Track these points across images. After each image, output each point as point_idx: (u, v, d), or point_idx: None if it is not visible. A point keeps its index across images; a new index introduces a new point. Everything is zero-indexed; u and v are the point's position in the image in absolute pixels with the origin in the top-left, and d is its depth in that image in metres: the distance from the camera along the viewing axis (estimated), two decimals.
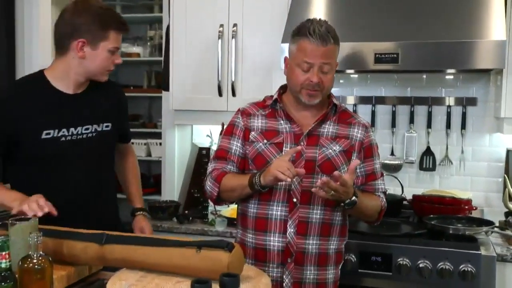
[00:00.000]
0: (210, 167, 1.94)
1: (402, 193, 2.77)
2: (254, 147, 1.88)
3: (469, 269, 2.11)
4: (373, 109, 2.90)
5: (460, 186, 2.79)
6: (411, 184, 2.87)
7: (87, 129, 1.97)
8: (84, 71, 1.93)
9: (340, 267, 1.95)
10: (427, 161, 2.84)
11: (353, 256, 2.25)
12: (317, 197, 1.79)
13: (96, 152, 2.00)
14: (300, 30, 1.82)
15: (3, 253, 1.21)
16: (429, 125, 2.83)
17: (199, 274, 1.33)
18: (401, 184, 2.78)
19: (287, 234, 1.82)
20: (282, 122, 1.90)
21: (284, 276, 1.84)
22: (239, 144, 1.91)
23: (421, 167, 2.86)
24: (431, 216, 2.47)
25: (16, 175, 1.94)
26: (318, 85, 1.81)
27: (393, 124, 2.88)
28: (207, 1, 2.76)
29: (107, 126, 2.03)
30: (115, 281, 1.36)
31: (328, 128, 1.90)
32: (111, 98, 2.10)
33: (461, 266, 2.13)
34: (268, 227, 1.84)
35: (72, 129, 1.92)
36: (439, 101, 2.83)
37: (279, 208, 1.84)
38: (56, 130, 1.89)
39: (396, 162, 2.88)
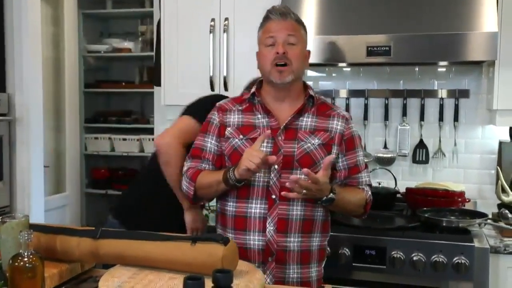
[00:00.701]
0: (185, 166, 1.89)
1: (396, 186, 2.77)
2: (230, 144, 1.83)
3: (463, 261, 2.12)
4: (365, 102, 2.90)
5: (453, 178, 2.80)
6: (404, 177, 2.87)
7: None
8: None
9: (323, 265, 1.90)
10: (420, 153, 2.85)
11: (347, 250, 2.25)
12: None
13: None
14: (263, 18, 1.85)
15: None
16: (421, 118, 2.84)
17: (193, 268, 1.33)
18: (394, 177, 2.78)
19: (267, 232, 1.76)
20: (259, 116, 1.84)
21: (266, 276, 1.76)
22: (213, 141, 1.87)
23: (414, 160, 2.86)
24: (425, 209, 2.47)
25: None
26: (285, 57, 1.76)
27: (386, 117, 2.88)
28: None
29: None
30: (107, 278, 1.35)
31: (307, 121, 1.84)
32: None
33: (454, 259, 2.13)
34: (247, 226, 1.78)
35: None
36: (431, 93, 2.83)
37: (258, 206, 1.78)
38: None
39: (389, 155, 2.88)
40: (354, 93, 2.93)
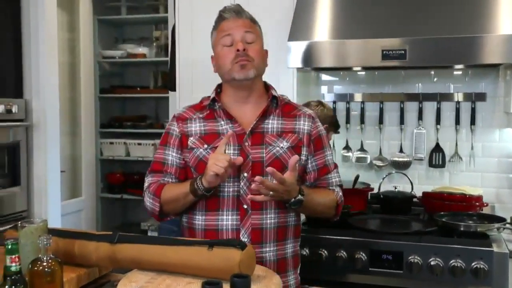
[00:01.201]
0: (146, 181, 1.78)
1: (412, 190, 2.75)
2: (194, 154, 1.72)
3: (482, 266, 2.09)
4: (381, 106, 2.88)
5: (471, 182, 2.77)
6: (420, 181, 2.84)
7: None
8: None
9: (298, 271, 1.82)
10: (437, 157, 2.82)
11: (363, 254, 2.23)
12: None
13: None
14: (216, 19, 1.79)
15: (13, 256, 1.20)
16: (438, 122, 2.81)
17: (210, 273, 1.32)
18: (411, 181, 2.76)
19: None
20: (222, 122, 1.74)
21: None
22: (174, 154, 1.76)
23: (431, 164, 2.83)
24: (442, 213, 2.44)
25: None
26: (245, 54, 1.69)
27: (402, 121, 2.86)
28: (212, 0, 2.75)
29: None
30: (125, 283, 1.35)
31: (273, 124, 1.74)
32: None
33: (473, 264, 2.11)
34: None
35: None
36: (447, 97, 2.80)
37: (229, 218, 1.68)
38: None
39: (405, 159, 2.86)
40: (369, 97, 2.91)
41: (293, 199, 1.64)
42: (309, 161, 1.78)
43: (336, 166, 1.87)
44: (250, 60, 1.70)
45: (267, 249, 1.70)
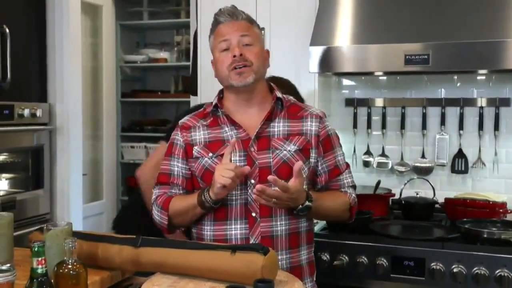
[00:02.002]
0: (154, 194, 1.74)
1: (434, 196, 2.72)
2: (200, 163, 1.68)
3: (506, 274, 2.06)
4: (403, 111, 2.86)
5: (494, 188, 2.73)
6: (442, 187, 2.81)
7: None
8: None
9: (315, 278, 1.76)
10: (459, 163, 2.79)
11: (385, 261, 2.21)
12: None
13: None
14: (212, 23, 1.74)
15: (40, 258, 1.22)
16: (461, 127, 2.78)
17: (233, 277, 1.33)
18: (433, 187, 2.73)
19: None
20: (226, 129, 1.69)
21: None
22: (179, 164, 1.72)
23: (453, 170, 2.80)
24: (464, 219, 2.41)
25: None
26: (242, 59, 1.63)
27: (424, 126, 2.84)
28: (235, 4, 2.76)
29: None
30: (148, 286, 1.36)
31: (278, 127, 1.69)
32: None
33: (497, 271, 2.08)
34: None
35: None
36: (471, 102, 2.77)
37: (238, 227, 1.63)
38: None
39: (427, 164, 2.84)
40: (390, 102, 2.90)
41: (300, 206, 1.58)
42: (319, 163, 1.72)
43: (348, 166, 1.80)
44: (248, 65, 1.65)
45: (280, 257, 1.63)
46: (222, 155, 1.62)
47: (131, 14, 4.56)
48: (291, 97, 1.81)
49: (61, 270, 1.27)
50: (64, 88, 3.19)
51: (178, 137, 1.74)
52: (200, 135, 1.71)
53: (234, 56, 1.64)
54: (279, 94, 1.74)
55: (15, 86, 2.86)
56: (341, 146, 1.80)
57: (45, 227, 1.45)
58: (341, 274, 2.24)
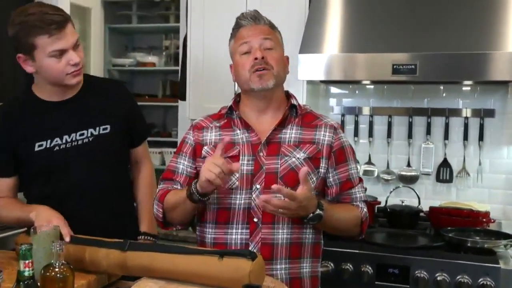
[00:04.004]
0: (157, 188, 1.75)
1: (419, 205, 2.75)
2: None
3: (488, 282, 2.09)
4: (389, 120, 2.89)
5: (478, 198, 2.77)
6: (427, 196, 2.84)
7: (82, 134, 1.84)
8: (47, 81, 1.81)
9: None
10: (444, 172, 2.82)
11: (370, 268, 2.23)
12: None
13: (97, 157, 1.87)
14: (233, 27, 1.74)
15: (26, 261, 1.22)
16: (446, 137, 2.82)
17: (220, 282, 1.33)
18: (418, 196, 2.76)
19: None
20: (238, 132, 1.68)
21: None
22: (186, 163, 1.72)
23: (438, 179, 2.84)
24: (449, 228, 2.44)
25: (27, 193, 1.92)
26: (264, 62, 1.62)
27: (410, 135, 2.87)
28: (224, 11, 2.77)
29: (104, 129, 1.88)
30: None
31: (290, 133, 1.67)
32: (111, 98, 1.96)
33: (479, 280, 2.10)
34: None
35: (65, 137, 1.82)
36: (456, 112, 2.81)
37: (239, 231, 1.61)
38: (48, 141, 1.81)
39: (413, 173, 2.87)
40: (377, 111, 2.93)
41: (311, 214, 1.53)
42: (330, 175, 1.68)
43: (361, 180, 1.76)
44: (268, 68, 1.64)
45: (279, 266, 1.61)
46: (230, 157, 1.62)
47: (120, 17, 4.56)
48: (308, 106, 1.80)
49: (48, 273, 1.27)
50: None
51: (190, 136, 1.75)
52: (211, 135, 1.72)
53: (256, 58, 1.63)
54: (294, 102, 1.72)
55: (1, 90, 2.83)
56: (355, 159, 1.76)
57: (32, 230, 1.44)
58: (326, 281, 2.24)
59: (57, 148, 1.83)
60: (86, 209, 1.85)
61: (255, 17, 1.69)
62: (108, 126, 1.89)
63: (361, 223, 1.71)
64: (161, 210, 1.68)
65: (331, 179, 1.70)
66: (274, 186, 1.45)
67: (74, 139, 1.84)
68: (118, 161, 1.98)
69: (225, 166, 1.48)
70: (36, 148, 1.82)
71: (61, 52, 1.73)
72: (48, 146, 1.82)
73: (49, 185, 1.84)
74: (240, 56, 1.67)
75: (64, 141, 1.83)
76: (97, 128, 1.88)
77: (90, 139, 1.86)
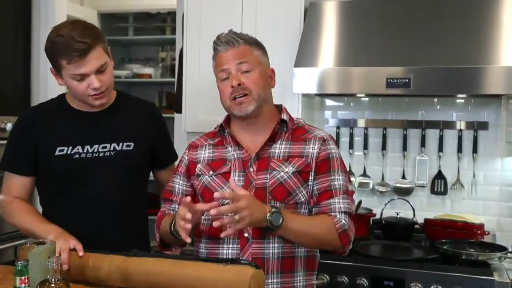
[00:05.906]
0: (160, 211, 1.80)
1: (414, 217, 2.76)
2: (201, 181, 1.71)
3: None
4: (384, 132, 2.91)
5: (472, 210, 2.78)
6: (422, 208, 2.86)
7: (104, 147, 1.87)
8: (73, 96, 1.89)
9: None
10: (439, 185, 2.84)
11: (365, 280, 2.24)
12: None
13: (114, 172, 1.88)
14: (213, 49, 1.75)
15: (23, 277, 1.23)
16: (440, 149, 2.84)
17: (221, 286, 1.37)
18: (413, 208, 2.77)
19: None
20: (230, 149, 1.72)
21: None
22: (181, 182, 1.77)
23: (433, 191, 2.85)
24: (443, 240, 2.46)
25: (44, 198, 1.95)
26: (241, 88, 1.64)
27: (404, 148, 2.89)
28: (220, 24, 2.78)
29: (128, 146, 1.90)
30: None
31: (280, 148, 1.68)
32: (140, 117, 1.99)
33: None
34: None
35: (87, 147, 1.85)
36: (450, 125, 2.83)
37: (230, 246, 1.63)
38: (70, 147, 1.84)
39: (407, 185, 2.88)
40: (372, 123, 2.95)
41: (268, 213, 1.50)
42: (311, 184, 1.67)
43: (346, 192, 1.68)
44: (247, 93, 1.65)
45: (270, 280, 1.60)
46: (222, 174, 1.67)
47: (116, 29, 4.57)
48: (302, 120, 1.82)
49: None
50: None
51: (185, 155, 1.81)
52: (205, 153, 1.76)
53: (232, 86, 1.66)
54: (284, 117, 1.73)
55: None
56: (342, 171, 1.70)
57: (27, 245, 1.45)
58: None
59: (76, 156, 1.86)
60: (95, 222, 1.87)
61: (229, 41, 1.69)
62: (132, 144, 1.92)
63: (338, 235, 1.61)
64: (158, 235, 1.75)
65: (310, 189, 1.67)
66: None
67: (95, 150, 1.87)
68: (136, 178, 1.98)
69: (185, 215, 1.48)
70: (57, 153, 1.85)
71: (82, 77, 1.77)
72: (68, 152, 1.85)
73: (63, 193, 1.87)
74: (221, 83, 1.71)
75: (85, 150, 1.86)
76: (120, 144, 1.90)
77: (112, 153, 1.89)
